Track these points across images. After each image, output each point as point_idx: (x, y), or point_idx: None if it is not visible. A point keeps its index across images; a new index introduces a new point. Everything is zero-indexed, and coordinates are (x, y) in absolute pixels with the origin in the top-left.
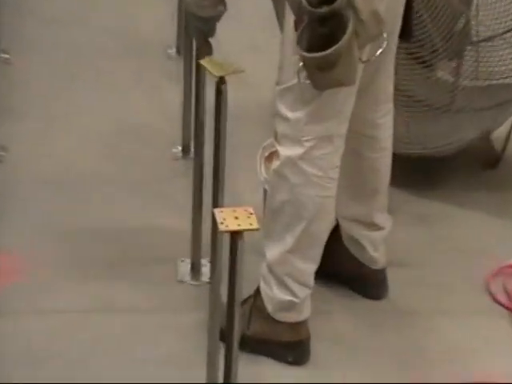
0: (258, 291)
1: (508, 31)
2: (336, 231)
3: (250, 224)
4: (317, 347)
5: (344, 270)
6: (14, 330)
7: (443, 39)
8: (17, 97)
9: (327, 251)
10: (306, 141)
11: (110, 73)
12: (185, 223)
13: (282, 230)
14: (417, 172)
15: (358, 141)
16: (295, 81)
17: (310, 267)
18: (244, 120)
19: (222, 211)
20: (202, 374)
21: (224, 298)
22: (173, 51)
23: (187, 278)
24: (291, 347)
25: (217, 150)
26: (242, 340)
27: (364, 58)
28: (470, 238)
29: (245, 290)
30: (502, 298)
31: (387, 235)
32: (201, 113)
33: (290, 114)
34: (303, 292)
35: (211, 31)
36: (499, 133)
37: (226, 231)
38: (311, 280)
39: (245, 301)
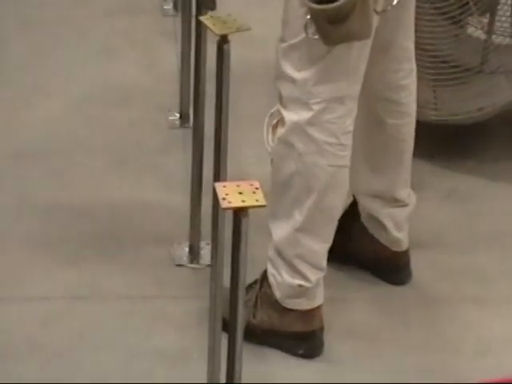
0: (264, 276)
1: None
2: (353, 208)
3: (256, 200)
4: (330, 339)
5: (362, 253)
6: None
7: None
8: None
9: (343, 231)
10: (315, 103)
11: (97, 32)
12: (182, 199)
13: (289, 205)
14: (445, 142)
15: (379, 106)
16: (302, 36)
17: (322, 247)
18: (249, 84)
19: (224, 186)
20: (201, 370)
21: (226, 283)
22: (169, 7)
23: (185, 260)
24: (302, 338)
25: (218, 117)
26: (247, 330)
27: (379, 9)
28: (505, 216)
29: (250, 275)
30: None
31: (411, 213)
32: (201, 76)
33: (296, 75)
34: (315, 275)
35: None
36: None
37: (229, 208)
38: (324, 262)
39: (250, 286)
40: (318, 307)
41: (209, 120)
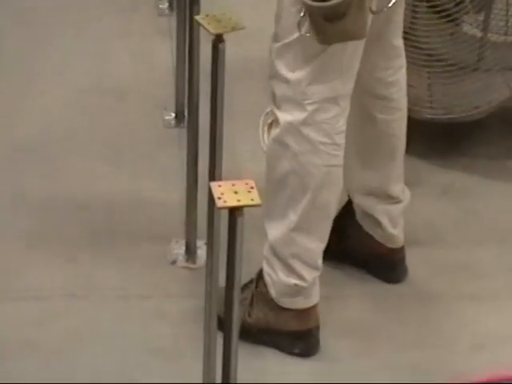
0: (260, 274)
1: None
2: (347, 207)
3: (251, 199)
4: (327, 337)
5: (357, 250)
6: None
7: None
8: None
9: (338, 229)
10: (309, 104)
11: (93, 30)
12: (178, 198)
13: (284, 205)
14: (440, 139)
15: (369, 102)
16: (295, 35)
17: (317, 246)
18: (244, 83)
19: (219, 185)
20: (197, 369)
21: (222, 282)
22: (165, 6)
23: (181, 259)
24: (298, 337)
25: (214, 116)
26: (243, 329)
27: (374, 8)
28: (500, 213)
29: (245, 274)
30: None
31: (405, 209)
32: (195, 75)
33: (290, 75)
34: (311, 274)
35: None
36: None
37: (224, 207)
38: (319, 261)
39: (245, 286)
40: (314, 306)
41: (204, 118)
